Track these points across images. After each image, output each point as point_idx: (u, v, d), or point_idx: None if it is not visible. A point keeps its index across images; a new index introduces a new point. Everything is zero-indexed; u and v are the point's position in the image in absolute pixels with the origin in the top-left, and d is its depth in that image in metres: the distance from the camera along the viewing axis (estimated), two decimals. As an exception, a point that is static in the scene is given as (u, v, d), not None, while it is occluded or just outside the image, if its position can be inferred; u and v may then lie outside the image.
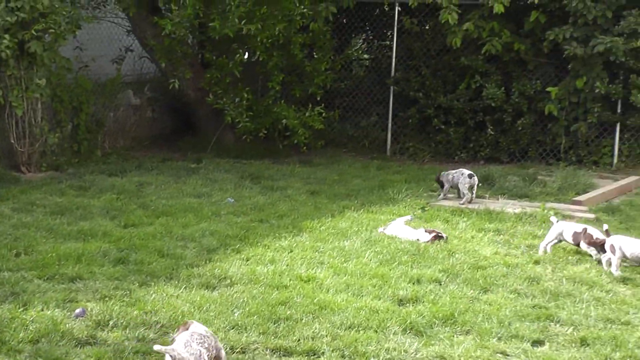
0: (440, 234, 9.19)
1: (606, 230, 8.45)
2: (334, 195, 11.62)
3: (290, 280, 7.65)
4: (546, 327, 6.75)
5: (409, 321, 6.66)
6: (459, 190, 11.25)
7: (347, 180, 12.85)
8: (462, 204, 10.98)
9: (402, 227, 9.41)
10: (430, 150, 15.45)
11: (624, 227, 10.07)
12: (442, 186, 11.41)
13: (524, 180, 12.59)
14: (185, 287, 7.40)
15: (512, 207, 10.96)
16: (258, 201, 11.06)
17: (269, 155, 14.74)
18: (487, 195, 11.73)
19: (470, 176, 11.16)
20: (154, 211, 10.25)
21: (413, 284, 7.66)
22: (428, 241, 9.04)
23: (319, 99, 15.21)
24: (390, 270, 8.02)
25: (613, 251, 8.13)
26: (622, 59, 13.83)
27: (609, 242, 8.22)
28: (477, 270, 8.12)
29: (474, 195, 11.23)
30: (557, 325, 6.80)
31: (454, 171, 11.41)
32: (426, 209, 10.81)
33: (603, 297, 7.48)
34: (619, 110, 14.43)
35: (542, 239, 9.45)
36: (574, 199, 11.51)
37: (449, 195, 11.39)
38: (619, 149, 14.51)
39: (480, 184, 11.74)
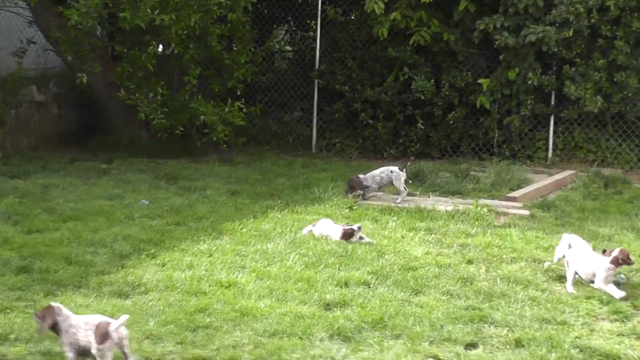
0: (351, 228, 9.19)
1: (604, 251, 8.13)
2: (256, 195, 11.59)
3: (209, 286, 7.58)
4: (480, 329, 6.81)
5: (336, 326, 6.65)
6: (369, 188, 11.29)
7: (270, 179, 12.82)
8: (399, 202, 11.04)
9: (330, 226, 9.42)
10: (358, 146, 15.51)
11: (560, 223, 10.26)
12: (352, 191, 11.37)
13: (456, 176, 12.74)
14: (95, 296, 7.27)
15: (444, 204, 11.07)
16: (174, 203, 10.95)
17: (186, 154, 14.61)
18: (418, 193, 11.82)
19: (401, 169, 11.27)
20: (60, 215, 10.05)
21: (340, 287, 7.66)
22: (340, 237, 9.11)
23: (239, 93, 15.14)
24: (316, 273, 8.01)
25: (567, 266, 8.02)
26: (555, 49, 14.11)
27: (567, 255, 8.02)
28: (408, 272, 8.16)
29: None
30: (491, 326, 6.87)
31: (378, 171, 11.40)
32: (354, 208, 10.83)
33: (538, 297, 7.59)
34: (552, 102, 14.71)
35: (475, 237, 9.56)
36: (508, 195, 11.68)
37: (378, 194, 11.45)
38: (554, 143, 14.79)
39: (410, 181, 11.82)
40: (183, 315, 6.81)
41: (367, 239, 9.18)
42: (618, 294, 7.54)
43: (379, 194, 11.58)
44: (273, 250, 8.77)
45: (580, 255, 7.93)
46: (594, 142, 14.55)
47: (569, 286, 7.83)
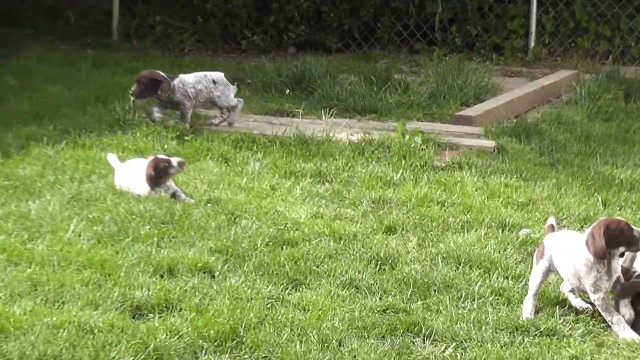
0: (164, 159, 9.25)
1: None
2: (9, 116, 11.65)
3: None
4: (407, 346, 6.87)
5: (152, 345, 6.61)
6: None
7: (34, 87, 12.93)
8: (231, 120, 11.45)
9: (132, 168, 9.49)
10: (195, 31, 15.51)
11: (547, 161, 10.44)
12: (142, 94, 11.34)
13: (368, 81, 12.88)
14: None
15: (347, 130, 11.20)
16: None
17: None
18: (302, 111, 11.92)
19: (232, 82, 11.54)
20: None
21: (161, 277, 7.66)
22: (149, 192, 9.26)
23: None
24: (117, 253, 8.01)
25: (539, 258, 7.72)
26: None
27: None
28: (282, 249, 8.24)
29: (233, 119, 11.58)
30: (427, 341, 6.94)
31: (191, 78, 11.47)
32: (186, 138, 10.84)
33: (508, 289, 7.70)
34: (536, -50, 14.95)
35: (400, 187, 9.66)
36: (459, 113, 11.85)
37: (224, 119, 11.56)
38: (539, 22, 15.01)
39: (288, 91, 11.86)
40: None
41: (184, 196, 9.24)
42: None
43: (225, 118, 11.66)
44: (40, 214, 8.75)
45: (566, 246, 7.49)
46: (608, 22, 14.84)
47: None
